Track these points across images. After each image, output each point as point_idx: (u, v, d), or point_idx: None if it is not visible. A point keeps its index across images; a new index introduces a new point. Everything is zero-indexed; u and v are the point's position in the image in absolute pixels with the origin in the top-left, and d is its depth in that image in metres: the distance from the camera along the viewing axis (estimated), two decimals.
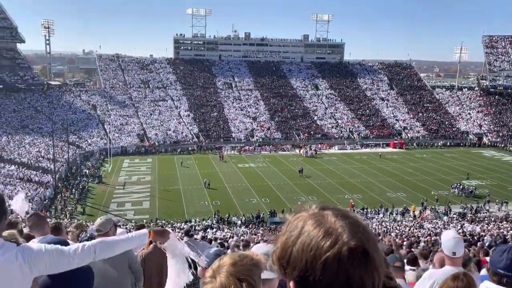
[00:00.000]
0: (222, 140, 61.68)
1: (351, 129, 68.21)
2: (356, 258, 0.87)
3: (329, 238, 0.89)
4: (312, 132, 66.14)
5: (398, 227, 27.36)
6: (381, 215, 32.65)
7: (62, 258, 2.05)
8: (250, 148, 58.62)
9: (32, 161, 42.79)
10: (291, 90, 79.66)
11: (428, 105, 77.56)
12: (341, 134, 66.61)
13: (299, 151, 57.54)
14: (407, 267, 5.55)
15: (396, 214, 33.14)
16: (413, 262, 6.02)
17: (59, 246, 2.11)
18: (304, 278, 0.90)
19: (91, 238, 4.37)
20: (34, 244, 2.14)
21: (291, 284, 0.94)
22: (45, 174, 40.21)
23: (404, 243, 15.31)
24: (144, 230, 2.42)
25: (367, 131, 67.84)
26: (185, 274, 2.58)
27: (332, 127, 68.75)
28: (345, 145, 62.07)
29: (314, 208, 1.00)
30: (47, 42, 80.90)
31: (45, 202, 33.94)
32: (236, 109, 71.56)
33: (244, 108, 72.07)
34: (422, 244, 16.26)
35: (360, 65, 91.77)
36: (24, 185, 36.17)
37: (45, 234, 3.69)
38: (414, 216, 33.10)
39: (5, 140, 46.93)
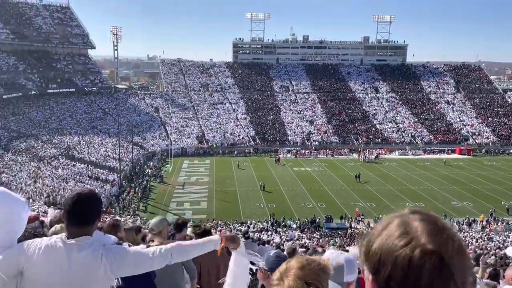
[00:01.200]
0: (278, 143, 61.78)
1: (413, 134, 65.42)
2: (428, 262, 0.87)
3: (405, 238, 0.91)
4: (371, 137, 64.30)
5: (464, 239, 25.74)
6: None
7: (143, 261, 2.13)
8: (306, 151, 58.15)
9: (100, 160, 45.45)
10: (350, 93, 78.04)
11: (499, 109, 72.46)
12: (402, 139, 64.08)
13: (358, 155, 56.15)
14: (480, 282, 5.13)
15: (462, 224, 31.21)
16: (494, 278, 5.54)
17: (140, 249, 2.19)
18: (378, 273, 0.94)
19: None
20: (119, 246, 2.23)
21: (369, 277, 0.98)
22: (111, 173, 42.54)
23: (470, 255, 14.34)
24: (217, 236, 2.46)
25: (430, 136, 64.70)
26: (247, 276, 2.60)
27: (393, 131, 66.37)
28: (407, 151, 59.59)
29: (406, 210, 1.02)
30: (115, 48, 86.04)
31: (111, 199, 35.88)
32: (292, 112, 71.39)
33: (301, 111, 71.71)
34: (492, 258, 15.14)
35: (424, 67, 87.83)
36: (92, 182, 38.50)
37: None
38: (483, 227, 30.98)
39: (76, 140, 50.31)
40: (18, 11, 68.90)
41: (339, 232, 28.73)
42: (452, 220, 31.70)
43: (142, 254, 2.15)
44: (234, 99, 74.34)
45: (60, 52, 70.34)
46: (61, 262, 1.98)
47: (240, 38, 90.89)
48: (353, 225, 31.55)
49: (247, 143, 61.45)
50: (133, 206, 34.35)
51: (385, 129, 66.98)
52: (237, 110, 70.81)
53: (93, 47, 76.02)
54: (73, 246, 2.01)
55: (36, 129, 50.03)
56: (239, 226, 28.48)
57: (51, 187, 34.72)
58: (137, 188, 38.95)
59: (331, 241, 24.20)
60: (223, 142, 60.77)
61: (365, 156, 54.55)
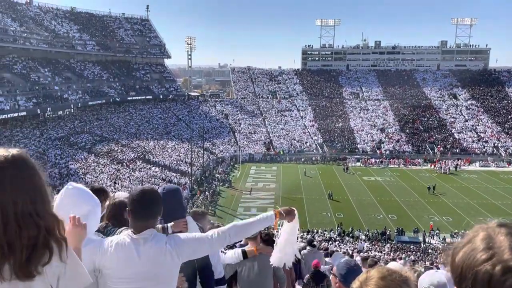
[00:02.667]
0: (346, 151, 60.37)
1: (496, 144, 60.43)
2: (510, 280, 0.82)
3: (487, 252, 0.87)
4: (448, 146, 60.47)
5: None
6: None
7: (203, 244, 2.27)
8: (377, 160, 56.15)
9: (173, 164, 47.61)
10: (425, 100, 74.16)
11: None
12: (484, 150, 59.43)
13: (433, 166, 53.04)
14: None
15: None
16: None
17: (198, 234, 2.35)
18: (460, 285, 0.91)
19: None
20: (180, 233, 2.41)
21: None
22: (183, 176, 44.35)
23: None
24: (271, 212, 2.52)
25: None
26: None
27: (473, 141, 61.84)
28: (488, 162, 55.17)
29: (493, 223, 0.99)
30: (189, 57, 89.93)
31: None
32: (362, 120, 69.44)
33: (372, 119, 69.50)
34: None
35: (509, 73, 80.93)
36: (164, 185, 40.33)
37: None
38: None
39: (152, 145, 53.20)
40: (103, 24, 74.78)
41: (412, 246, 27.29)
42: None
43: (201, 237, 2.29)
44: (302, 106, 74.07)
45: (139, 61, 75.09)
46: (131, 256, 2.14)
47: (309, 45, 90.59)
48: (427, 240, 29.81)
49: (314, 151, 60.81)
50: (202, 208, 35.43)
51: (464, 138, 62.63)
52: (305, 117, 70.45)
53: (169, 57, 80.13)
54: (140, 240, 2.16)
55: (116, 134, 53.71)
56: (305, 234, 28.18)
57: (129, 188, 37.00)
58: (206, 192, 40.18)
59: (403, 255, 23.06)
60: (290, 149, 60.71)
61: (441, 167, 51.40)
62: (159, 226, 2.79)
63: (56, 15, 66.79)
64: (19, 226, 1.49)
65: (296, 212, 2.65)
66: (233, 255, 4.07)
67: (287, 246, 2.79)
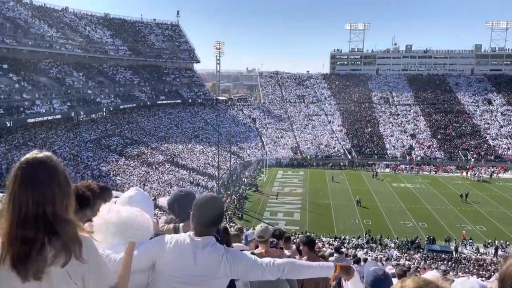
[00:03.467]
0: (375, 156, 59.34)
1: None
2: None
3: None
4: (482, 153, 58.45)
5: None
6: None
7: (256, 268, 2.25)
8: (407, 166, 54.89)
9: (200, 168, 48.11)
10: (458, 105, 72.05)
11: None
12: None
13: (466, 173, 51.37)
14: None
15: None
16: None
17: (255, 257, 2.31)
18: None
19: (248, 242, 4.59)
20: (238, 250, 2.45)
21: None
22: (210, 180, 44.72)
23: None
24: (331, 264, 2.44)
25: None
26: None
27: (509, 148, 59.55)
28: None
29: None
30: (218, 62, 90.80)
31: None
32: (392, 125, 68.14)
33: (402, 124, 68.09)
34: None
35: None
36: (193, 188, 40.83)
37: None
38: None
39: (180, 148, 53.94)
40: (135, 29, 76.64)
41: (443, 256, 26.47)
42: None
43: (257, 262, 2.27)
44: (330, 111, 73.40)
45: (169, 66, 76.44)
46: (187, 256, 2.17)
47: (338, 49, 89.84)
48: (459, 249, 28.84)
49: (342, 156, 60.08)
50: (229, 213, 35.60)
51: (499, 145, 60.40)
52: (332, 122, 69.77)
53: (198, 62, 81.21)
54: (199, 244, 2.20)
55: (146, 137, 54.79)
56: (332, 240, 27.82)
57: (158, 190, 37.62)
58: (233, 196, 40.33)
59: (433, 265, 22.39)
60: (318, 154, 60.21)
61: (475, 174, 49.72)
62: (171, 225, 2.81)
63: (91, 21, 68.97)
64: (38, 225, 1.54)
65: (355, 272, 2.55)
66: None
67: None
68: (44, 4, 61.92)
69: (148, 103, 64.00)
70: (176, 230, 2.81)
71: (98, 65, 62.70)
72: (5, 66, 44.79)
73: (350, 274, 2.48)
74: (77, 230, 1.64)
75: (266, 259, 2.30)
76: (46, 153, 1.65)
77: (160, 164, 45.97)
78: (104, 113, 54.14)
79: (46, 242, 1.54)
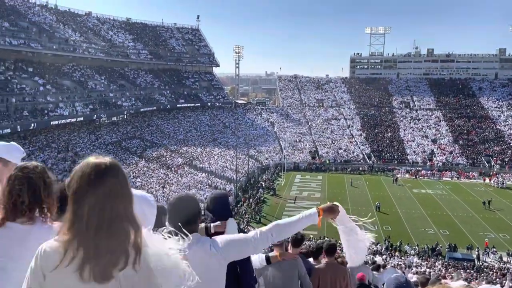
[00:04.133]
0: (395, 162, 58.48)
1: None
2: None
3: None
4: (506, 160, 56.93)
5: None
6: None
7: (246, 244, 2.27)
8: (428, 172, 53.89)
9: (218, 171, 48.31)
10: (481, 110, 70.47)
11: None
12: None
13: (489, 180, 50.11)
14: None
15: None
16: None
17: (241, 235, 2.35)
18: None
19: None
20: (224, 235, 2.41)
21: None
22: (228, 183, 44.85)
23: None
24: (313, 209, 2.48)
25: None
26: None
27: None
28: None
29: None
30: (237, 65, 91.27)
31: None
32: (413, 130, 67.09)
33: (423, 129, 66.98)
34: None
35: None
36: (211, 191, 40.97)
37: None
38: None
39: (199, 151, 54.33)
40: (156, 33, 77.75)
41: (465, 264, 25.84)
42: None
43: (244, 238, 2.29)
44: (350, 115, 72.78)
45: (189, 70, 77.23)
46: None
47: (358, 53, 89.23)
48: (481, 257, 28.11)
49: (361, 161, 59.44)
50: (247, 216, 35.60)
51: None
52: (352, 126, 69.14)
53: (217, 65, 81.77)
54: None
55: (166, 140, 55.39)
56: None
57: (176, 193, 37.91)
58: (251, 199, 40.33)
59: (454, 273, 21.89)
60: (336, 158, 59.71)
61: (499, 181, 48.46)
62: (202, 225, 2.85)
63: (113, 25, 70.32)
64: (111, 230, 1.57)
65: (340, 207, 2.60)
66: (257, 260, 4.04)
67: (352, 245, 2.73)
68: (69, 9, 63.53)
69: (168, 106, 64.75)
70: (207, 230, 2.86)
71: (119, 68, 63.83)
72: (30, 69, 46.05)
73: (335, 212, 2.55)
74: (140, 236, 1.64)
75: (252, 231, 2.31)
76: (114, 160, 1.70)
77: (179, 166, 46.37)
78: (125, 116, 55.00)
79: (113, 247, 1.56)
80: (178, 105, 66.98)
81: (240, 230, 3.09)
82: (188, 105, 68.87)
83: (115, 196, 1.60)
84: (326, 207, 2.53)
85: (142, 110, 58.70)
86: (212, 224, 2.90)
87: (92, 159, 1.66)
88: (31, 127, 38.47)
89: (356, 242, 2.71)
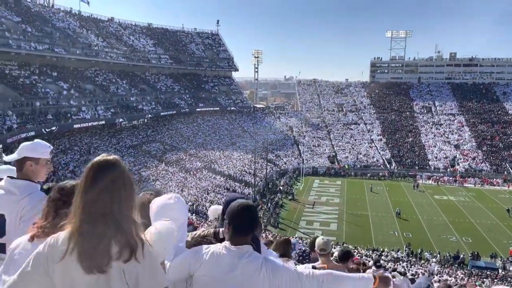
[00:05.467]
0: (417, 167, 57.48)
1: None
2: None
3: None
4: None
5: None
6: None
7: (296, 281, 2.16)
8: (450, 178, 52.75)
9: (237, 175, 48.40)
10: (506, 115, 68.70)
11: None
12: None
13: None
14: None
15: None
16: None
17: (294, 267, 2.25)
18: None
19: (304, 254, 4.55)
20: (277, 260, 2.30)
21: None
22: (246, 187, 44.88)
23: None
24: (370, 275, 2.39)
25: None
26: None
27: None
28: None
29: None
30: (256, 70, 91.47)
31: None
32: (435, 135, 65.86)
33: (445, 134, 65.69)
34: None
35: None
36: (229, 195, 41.03)
37: None
38: None
39: (218, 155, 54.58)
40: (176, 38, 78.68)
41: (488, 273, 25.15)
42: None
43: (297, 273, 2.19)
44: (370, 120, 71.98)
45: (208, 74, 77.81)
46: (225, 267, 2.12)
47: (379, 57, 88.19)
48: (506, 266, 27.30)
49: (381, 166, 58.63)
50: (265, 220, 35.51)
51: None
52: (372, 131, 68.35)
53: (236, 70, 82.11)
54: (236, 253, 2.14)
55: (185, 143, 55.85)
56: (370, 252, 27.10)
57: (195, 196, 38.16)
58: (269, 204, 40.23)
59: (477, 282, 21.32)
60: (356, 163, 59.08)
61: None
62: (211, 230, 2.80)
63: (134, 30, 71.52)
64: (106, 222, 1.66)
65: (391, 282, 2.50)
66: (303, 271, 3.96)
67: None
68: (91, 15, 64.90)
69: (187, 110, 65.31)
70: (216, 235, 2.81)
71: (140, 73, 64.80)
72: (55, 73, 47.20)
73: (388, 285, 2.42)
74: (140, 230, 1.74)
75: (306, 271, 2.24)
76: (115, 157, 1.79)
77: (198, 170, 46.66)
78: (146, 119, 55.74)
79: (112, 238, 1.65)
80: (198, 109, 67.48)
81: (256, 238, 3.01)
82: (207, 109, 69.31)
83: (113, 190, 1.70)
84: (382, 277, 2.43)
85: (162, 114, 59.35)
86: (220, 229, 2.85)
87: (99, 157, 1.77)
88: (54, 129, 39.35)
89: None
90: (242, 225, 2.22)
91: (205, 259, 2.14)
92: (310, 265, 3.96)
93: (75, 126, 42.63)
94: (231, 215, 2.25)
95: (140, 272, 1.67)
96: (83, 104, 46.19)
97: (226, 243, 2.22)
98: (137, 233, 1.71)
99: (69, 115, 42.82)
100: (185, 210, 2.31)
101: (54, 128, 39.22)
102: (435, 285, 10.25)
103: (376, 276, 2.38)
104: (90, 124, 44.86)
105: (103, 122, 47.18)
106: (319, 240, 4.30)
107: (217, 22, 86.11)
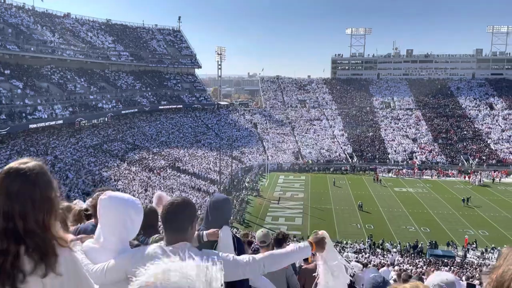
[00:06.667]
0: (377, 161, 59.28)
1: None
2: None
3: None
4: (484, 157, 58.35)
5: None
6: None
7: (236, 268, 2.18)
8: (409, 171, 54.78)
9: (202, 172, 48.10)
10: (459, 109, 72.06)
11: None
12: None
13: (468, 177, 51.25)
14: None
15: None
16: None
17: (234, 256, 2.24)
18: None
19: (256, 250, 4.61)
20: (215, 252, 2.29)
21: None
22: (211, 185, 44.70)
23: None
24: (306, 243, 2.48)
25: None
26: (344, 277, 2.71)
27: (511, 152, 59.43)
28: None
29: None
30: (219, 67, 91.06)
31: None
32: (394, 130, 68.11)
33: (403, 129, 68.07)
34: None
35: None
36: (195, 193, 40.83)
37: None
38: None
39: (182, 153, 53.98)
40: (137, 35, 76.95)
41: (445, 260, 26.36)
42: None
43: (236, 261, 2.19)
44: (332, 116, 73.44)
45: (170, 71, 76.67)
46: None
47: (339, 54, 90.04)
48: (461, 254, 28.72)
49: (344, 160, 60.02)
50: (231, 218, 35.47)
51: (501, 149, 60.29)
52: (334, 127, 69.78)
53: (199, 67, 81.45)
54: (171, 253, 2.07)
55: (148, 142, 54.84)
56: (333, 245, 27.70)
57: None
58: (235, 201, 40.27)
59: (435, 270, 22.29)
60: (319, 158, 60.17)
61: (477, 179, 49.58)
62: (195, 233, 2.76)
63: (92, 27, 69.28)
64: (8, 238, 1.52)
65: (327, 238, 2.58)
66: None
67: (330, 273, 2.68)
68: (46, 10, 62.28)
69: (150, 108, 64.14)
70: (199, 238, 2.76)
71: (100, 70, 62.91)
72: (7, 71, 44.98)
73: (323, 246, 2.56)
74: (53, 243, 1.60)
75: (246, 256, 2.25)
76: (31, 164, 1.63)
77: (162, 169, 45.98)
78: (106, 118, 54.25)
79: (22, 254, 1.52)
80: (160, 107, 66.41)
81: (238, 241, 3.01)
82: (170, 106, 68.35)
83: (17, 205, 1.54)
84: (316, 240, 2.52)
85: (123, 112, 57.95)
86: (204, 232, 2.80)
87: (14, 162, 1.65)
88: (7, 130, 37.53)
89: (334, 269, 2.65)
90: (172, 223, 2.16)
91: (142, 262, 2.03)
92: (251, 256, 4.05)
93: (31, 126, 40.85)
94: (164, 213, 2.19)
95: (64, 283, 1.59)
96: (39, 103, 44.33)
97: (161, 243, 2.17)
98: (48, 247, 1.57)
99: (24, 114, 40.99)
100: (123, 209, 2.21)
101: (7, 128, 37.42)
102: (393, 273, 10.64)
103: (312, 242, 2.49)
104: (47, 123, 43.13)
105: (61, 121, 45.51)
106: (258, 233, 4.41)
107: (179, 19, 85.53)
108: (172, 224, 2.17)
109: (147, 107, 63.67)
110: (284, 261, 2.38)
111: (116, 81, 63.60)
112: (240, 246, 2.93)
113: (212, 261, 2.08)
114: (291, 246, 2.44)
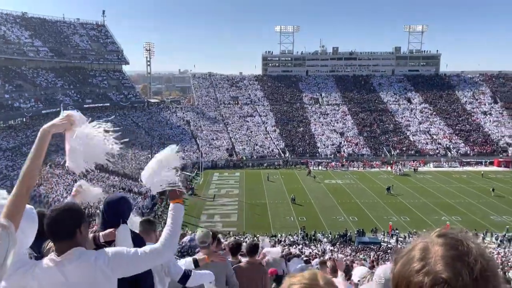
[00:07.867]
0: (308, 155, 61.30)
1: (448, 146, 63.44)
2: None
3: (421, 263, 0.89)
4: (404, 148, 62.78)
5: (505, 255, 24.49)
6: (486, 240, 29.53)
7: (136, 259, 2.12)
8: (337, 164, 57.36)
9: (133, 173, 46.46)
10: (381, 104, 76.78)
11: None
12: (437, 151, 62.22)
13: (390, 167, 54.85)
14: None
15: (502, 240, 29.73)
16: None
17: (130, 249, 2.18)
18: None
19: (191, 249, 4.53)
20: (114, 248, 2.22)
21: None
22: (144, 186, 43.28)
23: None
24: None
25: (466, 148, 62.53)
26: None
27: (427, 143, 64.59)
28: (442, 163, 57.76)
29: (434, 232, 0.98)
30: (148, 63, 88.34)
31: (144, 211, 36.48)
32: (322, 124, 70.84)
33: (331, 123, 71.05)
34: None
35: (458, 77, 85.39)
36: (126, 195, 39.28)
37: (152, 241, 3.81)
38: None
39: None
40: (57, 29, 72.14)
41: (372, 247, 28.01)
42: (486, 235, 30.36)
43: (134, 253, 2.15)
44: (264, 112, 74.58)
45: (95, 68, 72.95)
46: (57, 279, 1.96)
47: (269, 51, 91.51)
48: (386, 239, 30.69)
49: (276, 156, 61.30)
50: (164, 217, 34.70)
51: (419, 140, 65.29)
52: (266, 123, 70.95)
53: (127, 63, 78.41)
54: (63, 262, 1.99)
55: None
56: (269, 239, 28.21)
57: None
58: (168, 200, 39.39)
59: (362, 256, 23.60)
60: (253, 154, 60.87)
61: (398, 169, 53.22)
62: (91, 235, 2.65)
63: (6, 20, 63.74)
64: None
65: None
66: (184, 264, 3.92)
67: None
68: None
69: (73, 107, 60.51)
70: (95, 240, 2.64)
71: (16, 67, 58.14)
72: None
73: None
74: None
75: (145, 247, 2.21)
76: None
77: (88, 171, 43.63)
78: (24, 119, 50.30)
79: None
80: (85, 106, 62.93)
81: (136, 237, 2.92)
82: (97, 105, 65.10)
83: None
84: (172, 191, 2.60)
85: (43, 112, 54.12)
86: (101, 233, 2.70)
87: None
88: None
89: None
90: (57, 233, 2.06)
91: (37, 276, 1.96)
92: (191, 258, 3.99)
93: None
94: (45, 227, 2.08)
95: None
96: None
97: (52, 254, 2.06)
98: None
99: None
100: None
101: None
102: (329, 263, 11.05)
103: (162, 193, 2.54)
104: None
105: None
106: (198, 233, 4.38)
107: (103, 13, 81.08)
108: (58, 233, 2.05)
109: (71, 106, 60.04)
110: (175, 230, 2.33)
111: (34, 79, 59.20)
112: (139, 242, 2.84)
113: None
114: (169, 215, 2.42)
